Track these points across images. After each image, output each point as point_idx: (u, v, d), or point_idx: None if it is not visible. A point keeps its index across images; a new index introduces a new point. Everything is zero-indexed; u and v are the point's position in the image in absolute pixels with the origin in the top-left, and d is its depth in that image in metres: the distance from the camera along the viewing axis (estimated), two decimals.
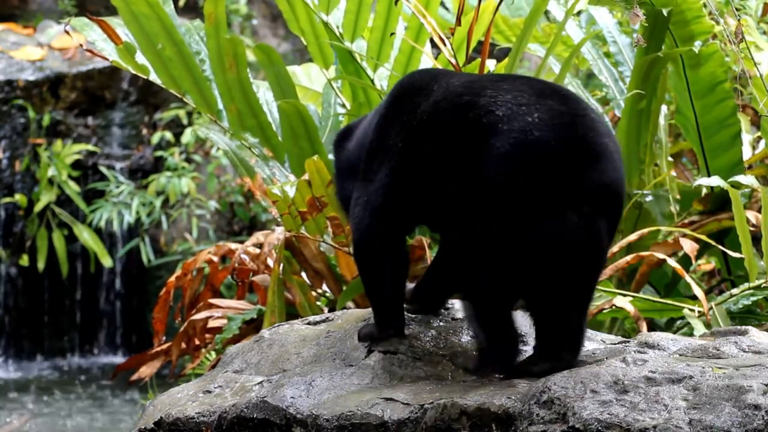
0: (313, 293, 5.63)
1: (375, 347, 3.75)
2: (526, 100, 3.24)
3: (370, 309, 3.96)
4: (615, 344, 3.79)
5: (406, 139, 3.49)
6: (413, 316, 3.84)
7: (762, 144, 6.04)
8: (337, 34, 5.73)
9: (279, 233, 5.66)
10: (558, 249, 3.25)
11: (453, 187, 3.35)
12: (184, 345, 5.81)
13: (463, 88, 3.42)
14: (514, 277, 3.33)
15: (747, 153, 5.87)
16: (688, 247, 5.12)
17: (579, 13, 6.84)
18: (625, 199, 3.44)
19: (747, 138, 5.95)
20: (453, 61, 5.23)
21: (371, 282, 3.71)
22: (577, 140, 3.23)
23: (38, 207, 11.04)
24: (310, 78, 6.69)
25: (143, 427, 3.80)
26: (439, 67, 5.30)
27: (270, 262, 5.72)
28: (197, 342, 5.80)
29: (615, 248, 5.17)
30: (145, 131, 11.54)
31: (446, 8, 7.40)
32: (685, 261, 5.37)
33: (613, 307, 4.90)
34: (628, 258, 5.11)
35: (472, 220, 3.30)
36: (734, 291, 5.07)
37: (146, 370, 5.94)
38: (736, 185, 5.05)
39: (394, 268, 3.66)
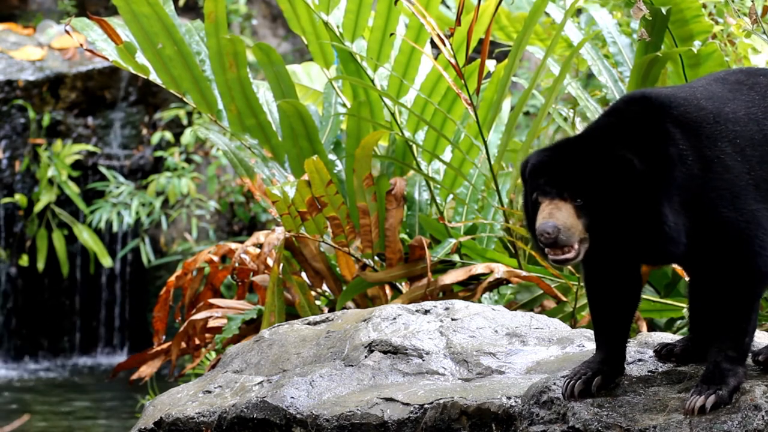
0: (313, 293, 5.62)
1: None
2: None
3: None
4: None
5: None
6: None
7: None
8: (338, 33, 5.73)
9: (279, 233, 5.66)
10: None
11: None
12: (184, 345, 5.81)
13: None
14: None
15: None
16: None
17: (580, 12, 6.83)
18: None
19: None
20: (453, 61, 5.23)
21: (748, 311, 3.41)
22: None
23: (38, 207, 11.04)
24: (311, 77, 6.68)
25: (143, 427, 3.80)
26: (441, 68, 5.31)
27: (270, 262, 5.72)
28: (197, 342, 5.80)
29: None
30: (145, 131, 11.53)
31: (447, 6, 7.38)
32: None
33: None
34: None
35: None
36: None
37: (146, 370, 5.93)
38: None
39: None
